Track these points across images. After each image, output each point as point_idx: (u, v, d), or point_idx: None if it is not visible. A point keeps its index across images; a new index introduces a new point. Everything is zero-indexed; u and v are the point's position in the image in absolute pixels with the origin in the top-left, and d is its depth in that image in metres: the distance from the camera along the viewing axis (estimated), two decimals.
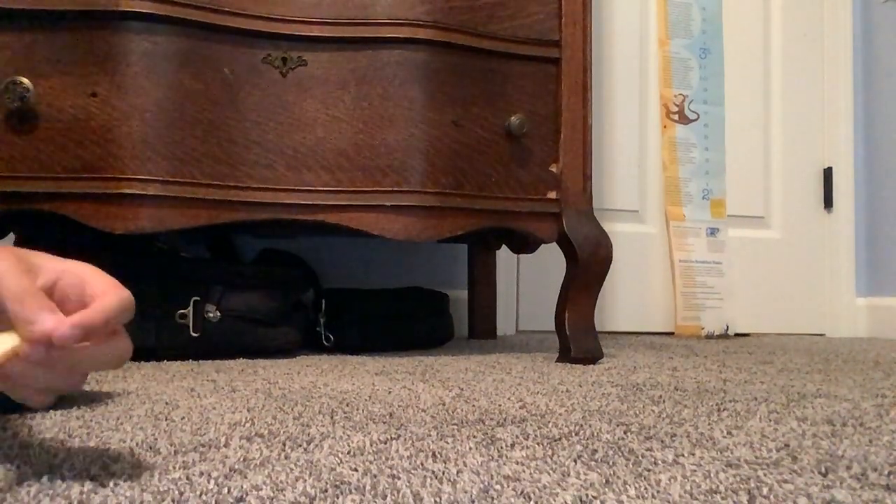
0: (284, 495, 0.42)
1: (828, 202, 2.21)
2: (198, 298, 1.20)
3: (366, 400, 0.78)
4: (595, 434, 0.61)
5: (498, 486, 0.44)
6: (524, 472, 0.48)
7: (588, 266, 1.23)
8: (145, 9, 1.05)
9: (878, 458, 0.53)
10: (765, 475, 0.48)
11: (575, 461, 0.51)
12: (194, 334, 1.20)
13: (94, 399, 0.75)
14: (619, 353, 1.39)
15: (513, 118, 1.20)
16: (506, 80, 1.22)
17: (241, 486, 0.43)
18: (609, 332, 2.00)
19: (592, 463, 0.51)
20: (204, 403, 0.74)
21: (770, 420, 0.69)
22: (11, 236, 1.32)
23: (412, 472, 0.48)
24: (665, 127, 2.07)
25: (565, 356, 1.22)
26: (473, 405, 0.76)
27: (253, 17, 1.11)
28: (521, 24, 1.23)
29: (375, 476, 0.46)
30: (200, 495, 0.41)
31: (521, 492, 0.43)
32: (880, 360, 1.34)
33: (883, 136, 2.17)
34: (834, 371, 1.13)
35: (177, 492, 0.42)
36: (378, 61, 1.15)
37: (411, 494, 0.42)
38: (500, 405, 0.76)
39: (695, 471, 0.49)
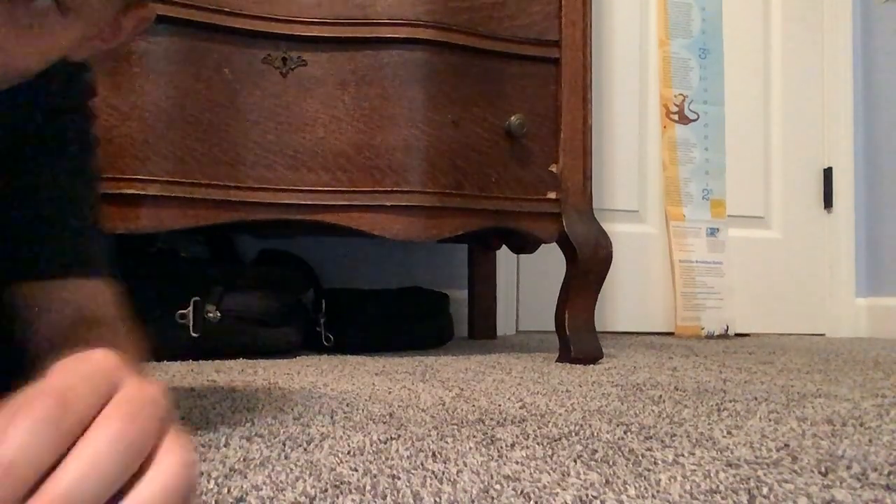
0: (284, 495, 0.42)
1: (828, 202, 2.21)
2: (198, 298, 1.20)
3: (366, 400, 0.78)
4: (595, 434, 0.61)
5: (498, 486, 0.44)
6: (524, 471, 0.48)
7: (588, 266, 1.23)
8: None
9: (878, 457, 0.53)
10: (765, 475, 0.48)
11: (575, 461, 0.51)
12: (194, 334, 1.20)
13: None
14: (619, 353, 1.39)
15: (513, 118, 1.20)
16: (506, 80, 1.22)
17: (241, 486, 0.43)
18: (609, 332, 2.00)
19: (592, 463, 0.51)
20: (204, 403, 0.74)
21: (770, 420, 0.69)
22: None
23: (412, 472, 0.48)
24: (665, 127, 2.07)
25: (565, 356, 1.22)
26: (473, 405, 0.76)
27: (253, 18, 1.11)
28: (520, 24, 1.23)
29: (375, 476, 0.46)
30: (200, 495, 0.41)
31: (521, 492, 0.43)
32: (880, 360, 1.34)
33: (883, 136, 2.17)
34: (834, 371, 1.13)
35: None
36: (378, 61, 1.15)
37: (411, 494, 0.42)
38: (500, 405, 0.76)
39: (695, 470, 0.49)
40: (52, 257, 0.55)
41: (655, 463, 0.51)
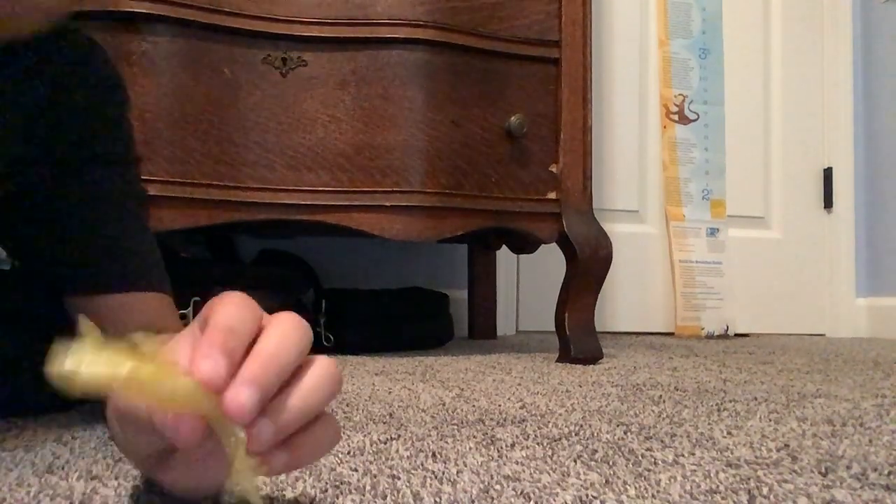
0: (284, 495, 0.42)
1: (828, 202, 2.21)
2: (198, 299, 1.20)
3: (366, 400, 0.78)
4: (595, 434, 0.61)
5: (498, 487, 0.44)
6: (524, 472, 0.48)
7: (588, 266, 1.23)
8: (145, 9, 1.05)
9: (878, 457, 0.53)
10: (765, 475, 0.48)
11: (575, 461, 0.51)
12: None
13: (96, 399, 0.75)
14: (619, 354, 1.39)
15: (513, 118, 1.20)
16: (506, 80, 1.22)
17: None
18: (609, 333, 2.00)
19: (592, 463, 0.51)
20: None
21: (770, 420, 0.69)
22: None
23: (412, 472, 0.48)
24: (665, 127, 2.07)
25: (565, 356, 1.22)
26: (473, 405, 0.76)
27: (253, 18, 1.11)
28: (521, 25, 1.23)
29: (375, 476, 0.46)
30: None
31: (521, 492, 0.43)
32: (880, 360, 1.34)
33: (883, 137, 2.17)
34: (834, 371, 1.13)
35: None
36: (378, 61, 1.15)
37: (411, 494, 0.42)
38: (500, 405, 0.76)
39: (695, 471, 0.49)
40: (119, 272, 0.57)
41: (655, 463, 0.51)
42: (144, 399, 0.30)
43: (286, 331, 0.33)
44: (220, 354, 0.30)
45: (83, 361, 0.29)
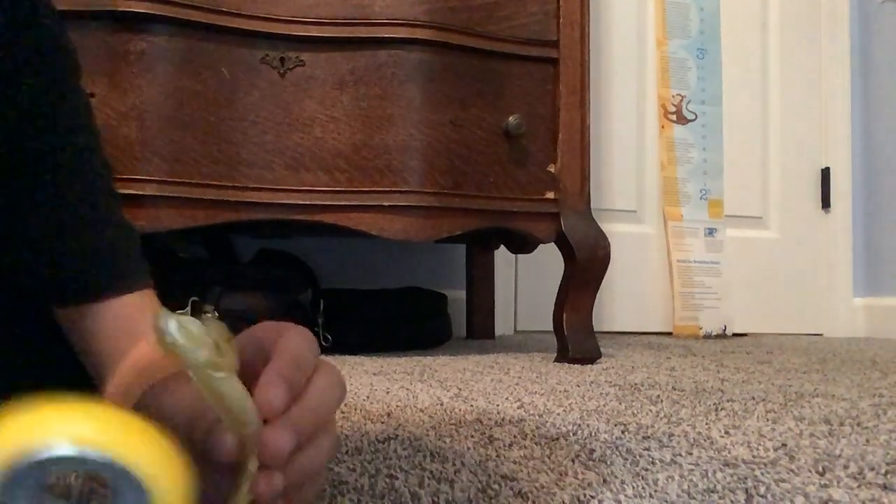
0: None
1: (825, 202, 2.21)
2: (196, 299, 1.20)
3: (364, 400, 0.78)
4: (593, 434, 0.61)
5: (496, 486, 0.44)
6: (522, 471, 0.48)
7: (586, 266, 1.23)
8: (143, 9, 1.05)
9: (875, 457, 0.54)
10: (762, 474, 0.48)
11: (573, 461, 0.51)
12: None
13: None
14: (617, 353, 1.39)
15: (511, 118, 1.20)
16: (504, 80, 1.22)
17: None
18: (607, 332, 2.00)
19: (590, 462, 0.51)
20: None
21: (767, 419, 0.69)
22: None
23: (410, 471, 0.48)
24: (663, 127, 2.07)
25: (563, 356, 1.22)
26: (471, 405, 0.76)
27: (251, 18, 1.11)
28: (519, 25, 1.23)
29: (373, 476, 0.46)
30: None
31: (519, 491, 0.43)
32: (878, 359, 1.34)
33: (881, 137, 2.18)
34: (831, 371, 1.13)
35: None
36: (376, 61, 1.15)
37: (409, 494, 0.42)
38: (498, 405, 0.76)
39: (692, 470, 0.49)
40: (99, 279, 0.53)
41: (653, 462, 0.51)
42: (206, 390, 0.30)
43: (332, 384, 0.35)
44: (287, 386, 0.31)
45: (181, 327, 0.29)
